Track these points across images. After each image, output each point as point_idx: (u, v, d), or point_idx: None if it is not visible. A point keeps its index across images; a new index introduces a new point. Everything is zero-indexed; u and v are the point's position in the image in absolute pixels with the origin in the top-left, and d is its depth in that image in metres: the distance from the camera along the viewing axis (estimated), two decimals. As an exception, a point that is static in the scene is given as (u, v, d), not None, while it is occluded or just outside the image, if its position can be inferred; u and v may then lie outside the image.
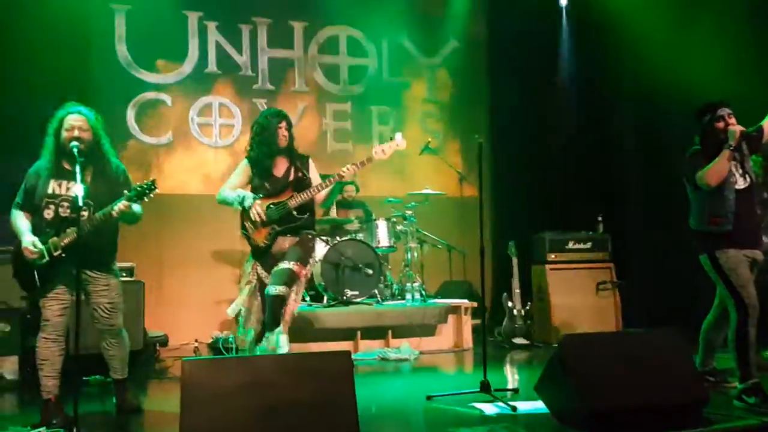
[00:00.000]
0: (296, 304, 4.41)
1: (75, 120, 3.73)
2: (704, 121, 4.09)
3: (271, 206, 4.31)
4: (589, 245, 6.66)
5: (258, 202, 4.29)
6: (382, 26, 7.74)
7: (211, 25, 7.23)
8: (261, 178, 4.40)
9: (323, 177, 4.52)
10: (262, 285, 4.33)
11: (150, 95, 7.00)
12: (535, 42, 7.55)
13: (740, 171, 4.03)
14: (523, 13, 7.56)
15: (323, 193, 4.43)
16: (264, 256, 4.36)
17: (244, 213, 4.36)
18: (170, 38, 7.06)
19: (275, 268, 4.26)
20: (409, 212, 6.60)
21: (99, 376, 4.63)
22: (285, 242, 4.34)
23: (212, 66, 7.23)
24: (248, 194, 4.34)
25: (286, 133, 4.42)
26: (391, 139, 4.52)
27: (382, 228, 6.39)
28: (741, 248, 3.99)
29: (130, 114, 6.91)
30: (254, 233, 4.35)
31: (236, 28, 7.33)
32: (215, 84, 7.25)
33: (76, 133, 3.69)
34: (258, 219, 4.27)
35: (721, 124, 4.01)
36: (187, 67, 7.14)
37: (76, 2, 6.46)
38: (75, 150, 3.59)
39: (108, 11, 6.87)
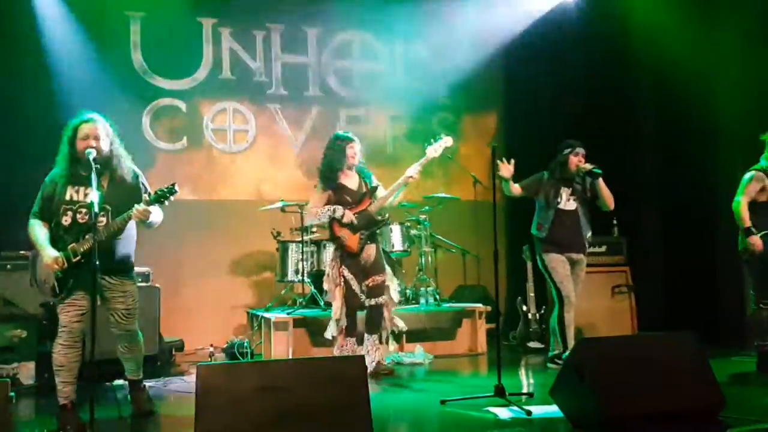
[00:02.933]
0: (393, 306, 5.18)
1: (89, 128, 3.77)
2: (563, 153, 5.23)
3: (357, 215, 4.95)
4: (604, 249, 6.62)
5: (348, 210, 4.92)
6: (396, 31, 7.75)
7: (225, 32, 7.28)
8: (339, 195, 4.98)
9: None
10: (348, 288, 4.93)
11: (165, 101, 7.06)
12: (549, 45, 7.51)
13: (568, 195, 5.23)
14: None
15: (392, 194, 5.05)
16: (354, 260, 4.95)
17: (338, 224, 4.93)
18: (185, 45, 7.12)
19: (373, 283, 4.98)
20: (423, 216, 6.61)
21: (119, 381, 4.66)
22: (370, 249, 5.00)
23: (226, 72, 7.28)
24: (337, 207, 4.94)
25: (354, 153, 5.02)
26: (440, 138, 5.07)
27: (396, 232, 6.39)
28: (560, 252, 5.16)
29: (146, 120, 6.97)
30: (349, 240, 4.93)
31: (250, 35, 7.38)
32: (229, 90, 7.29)
33: (91, 140, 3.73)
34: (352, 223, 4.89)
35: (575, 159, 5.19)
36: (202, 73, 7.19)
37: (92, 10, 6.54)
38: (90, 157, 3.63)
39: (123, 18, 6.94)
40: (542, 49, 7.53)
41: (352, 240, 4.94)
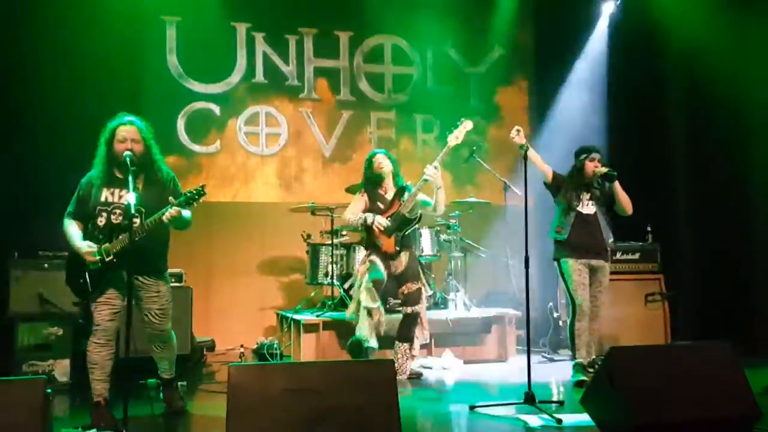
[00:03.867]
0: (425, 315, 5.26)
1: (127, 130, 3.85)
2: (580, 158, 5.16)
3: (389, 218, 5.13)
4: (637, 256, 6.52)
5: (378, 216, 5.12)
6: (427, 35, 7.76)
7: (259, 36, 7.36)
8: (373, 201, 5.24)
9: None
10: (381, 281, 5.05)
11: (199, 105, 7.15)
12: (581, 49, 7.46)
13: (587, 199, 5.12)
14: (569, 20, 7.49)
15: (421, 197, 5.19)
16: (386, 263, 5.09)
17: (371, 230, 5.13)
18: (219, 49, 7.21)
19: (407, 291, 5.12)
20: (453, 221, 6.59)
21: (153, 380, 4.72)
22: (404, 256, 5.15)
23: (259, 76, 7.36)
24: (368, 214, 5.16)
25: (382, 164, 5.25)
26: (459, 124, 5.21)
27: (425, 237, 6.38)
28: (578, 257, 5.03)
29: (180, 123, 7.08)
30: (385, 244, 5.10)
31: (283, 39, 7.45)
32: (262, 94, 7.37)
33: (128, 143, 3.80)
34: (380, 228, 5.06)
35: (591, 164, 5.09)
36: (235, 77, 7.28)
37: (129, 14, 6.66)
38: (128, 159, 3.70)
39: (159, 23, 7.06)
40: (574, 52, 7.47)
41: (388, 243, 5.10)
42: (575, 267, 5.04)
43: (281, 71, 7.43)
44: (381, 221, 5.09)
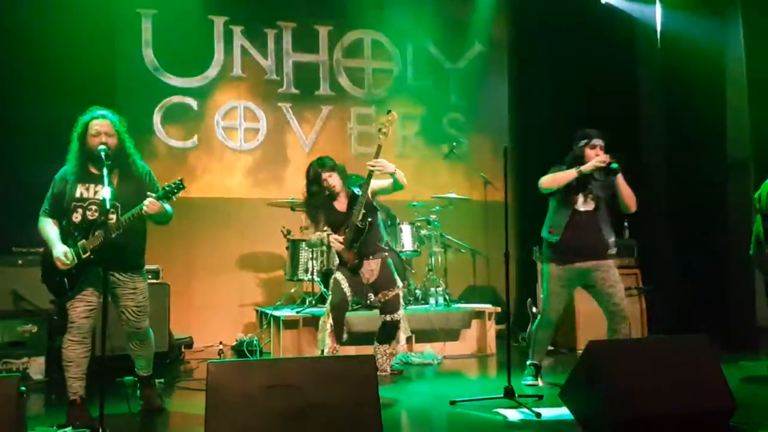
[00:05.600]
0: (403, 318, 5.06)
1: (100, 124, 3.78)
2: (579, 145, 4.63)
3: (346, 230, 4.81)
4: (614, 251, 6.57)
5: (332, 234, 4.85)
6: (407, 30, 7.75)
7: (237, 30, 7.29)
8: (330, 216, 4.91)
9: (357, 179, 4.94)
10: (344, 300, 4.81)
11: (176, 99, 7.07)
12: (560, 45, 7.48)
13: (585, 194, 4.59)
14: (548, 16, 7.51)
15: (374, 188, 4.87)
16: (355, 275, 4.85)
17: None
18: (196, 42, 7.13)
19: (384, 299, 4.88)
20: (433, 216, 6.60)
21: (131, 378, 4.66)
22: (371, 264, 4.87)
23: (237, 70, 7.29)
24: (325, 233, 4.92)
25: (330, 182, 4.83)
26: (388, 113, 4.88)
27: (406, 232, 6.38)
28: (562, 264, 4.59)
29: (157, 118, 6.99)
30: (347, 258, 4.85)
31: (261, 33, 7.38)
32: (240, 88, 7.30)
33: (102, 137, 3.74)
34: (337, 245, 4.80)
35: (592, 152, 4.56)
36: (213, 71, 7.20)
37: (103, 7, 6.56)
38: (102, 154, 3.64)
39: (135, 16, 6.96)
40: (553, 47, 7.49)
41: (349, 256, 4.83)
42: (555, 274, 4.64)
43: (260, 65, 7.37)
44: (336, 238, 4.81)
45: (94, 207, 3.75)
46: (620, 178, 4.52)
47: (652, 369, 3.58)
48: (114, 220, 3.68)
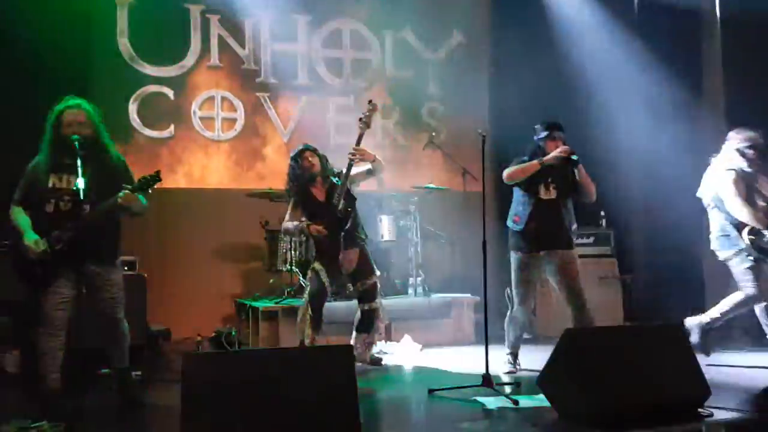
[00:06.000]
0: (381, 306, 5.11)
1: (74, 114, 3.73)
2: (540, 137, 4.77)
3: (325, 221, 4.80)
4: (591, 240, 6.64)
5: (311, 224, 4.78)
6: (386, 20, 7.71)
7: (214, 18, 7.20)
8: (308, 204, 4.91)
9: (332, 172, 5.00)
10: (323, 290, 4.80)
11: (152, 88, 6.97)
12: (539, 35, 7.49)
13: (547, 184, 4.71)
14: (528, 6, 7.52)
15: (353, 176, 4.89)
16: (334, 265, 4.84)
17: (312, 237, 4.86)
18: (172, 32, 7.04)
19: (363, 288, 4.94)
20: (412, 207, 6.60)
21: (105, 370, 4.62)
22: (350, 254, 4.87)
23: (215, 59, 7.21)
24: (304, 223, 4.82)
25: (312, 162, 4.90)
26: (369, 103, 4.98)
27: (385, 222, 6.38)
28: (527, 252, 4.73)
29: (132, 108, 6.89)
30: (328, 247, 4.82)
31: (239, 21, 7.29)
32: (218, 78, 7.23)
33: (75, 127, 3.68)
34: (320, 234, 4.75)
35: (553, 144, 4.70)
36: (190, 60, 7.11)
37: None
38: (76, 144, 3.59)
39: (110, 4, 6.84)
40: (533, 35, 7.49)
41: (331, 246, 4.81)
42: (523, 261, 4.77)
43: (237, 55, 7.30)
44: (317, 228, 4.77)
45: (67, 198, 3.70)
46: (581, 169, 4.68)
47: (627, 356, 3.63)
48: (87, 212, 3.63)
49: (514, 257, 4.84)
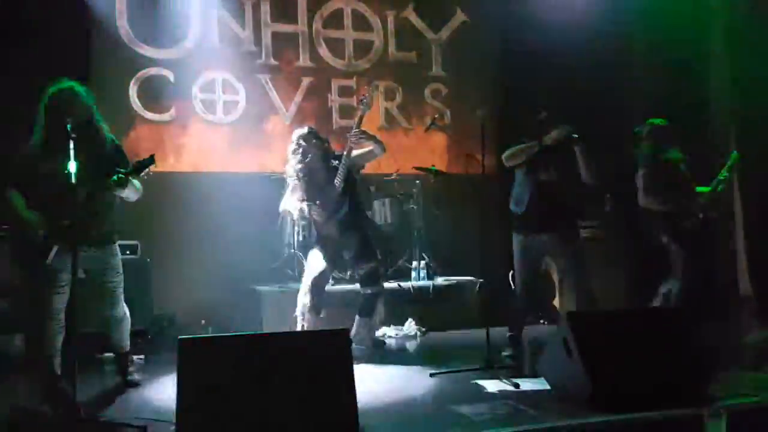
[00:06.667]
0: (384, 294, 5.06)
1: (66, 96, 3.69)
2: (539, 118, 4.68)
3: (326, 203, 4.78)
4: (596, 222, 6.58)
5: (313, 207, 4.78)
6: (388, 0, 7.61)
7: (213, 0, 7.13)
8: (309, 186, 4.87)
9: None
10: (323, 273, 4.79)
11: (152, 71, 6.91)
12: (545, 15, 7.36)
13: (547, 165, 4.59)
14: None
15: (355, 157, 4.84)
16: (334, 248, 4.83)
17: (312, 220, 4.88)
18: (172, 13, 6.95)
19: (364, 272, 4.86)
20: (414, 190, 6.56)
21: (107, 354, 4.62)
22: (351, 238, 4.82)
23: (215, 41, 7.14)
24: (303, 205, 4.82)
25: (313, 143, 4.86)
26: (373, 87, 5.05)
27: (387, 206, 6.34)
28: (528, 235, 4.62)
29: (132, 91, 6.84)
30: (327, 230, 4.82)
31: (239, 2, 7.21)
32: (218, 60, 7.15)
33: (67, 109, 3.65)
34: (317, 219, 4.76)
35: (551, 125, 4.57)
36: (190, 42, 7.05)
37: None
38: (68, 126, 3.55)
39: (109, -15, 6.78)
40: (541, 17, 7.37)
41: (329, 228, 4.83)
42: (523, 244, 4.69)
43: (238, 36, 7.23)
44: (316, 212, 4.79)
45: (62, 181, 3.66)
46: (581, 148, 4.56)
47: (628, 339, 3.60)
48: (82, 195, 3.61)
49: (515, 240, 4.76)
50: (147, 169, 3.64)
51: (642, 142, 5.16)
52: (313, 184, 4.90)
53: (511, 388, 3.83)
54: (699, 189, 5.17)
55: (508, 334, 4.85)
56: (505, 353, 4.73)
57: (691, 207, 5.07)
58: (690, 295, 4.90)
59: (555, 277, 6.21)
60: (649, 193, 5.03)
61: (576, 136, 4.54)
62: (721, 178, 5.19)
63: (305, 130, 4.97)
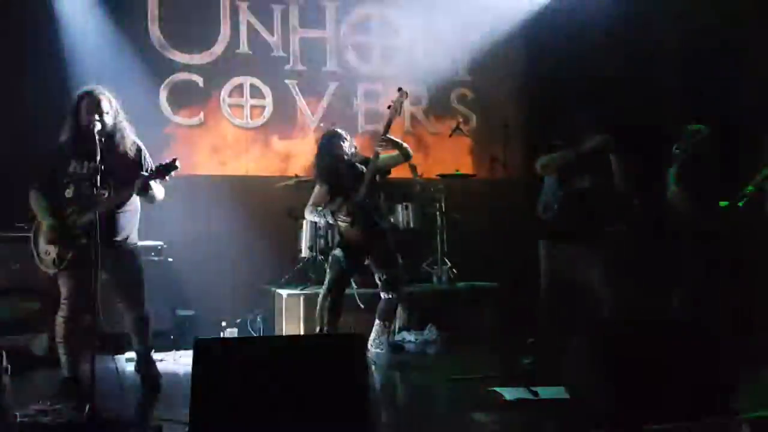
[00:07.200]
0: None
1: (93, 99, 3.77)
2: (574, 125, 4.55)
3: (352, 207, 4.81)
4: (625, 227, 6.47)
5: (336, 211, 4.83)
6: (415, 5, 7.60)
7: (243, 5, 7.20)
8: (334, 190, 4.91)
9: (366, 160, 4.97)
10: (344, 277, 4.85)
11: (182, 76, 7.01)
12: (572, 23, 7.29)
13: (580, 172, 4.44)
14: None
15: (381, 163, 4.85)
16: (356, 253, 4.86)
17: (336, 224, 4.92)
18: (202, 19, 7.05)
19: (384, 277, 4.90)
20: (438, 194, 6.53)
21: (129, 354, 4.69)
22: (373, 242, 4.86)
23: (244, 47, 7.21)
24: (327, 210, 4.89)
25: (340, 146, 4.92)
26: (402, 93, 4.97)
27: (410, 210, 6.32)
28: (555, 243, 4.52)
29: (163, 95, 6.94)
30: (352, 235, 4.84)
31: (268, 8, 7.28)
32: (246, 65, 7.23)
33: (95, 113, 3.72)
34: (345, 223, 4.79)
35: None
36: (219, 47, 7.13)
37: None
38: (95, 129, 3.62)
39: (141, -8, 6.90)
40: (565, 24, 7.31)
41: (355, 234, 4.84)
42: (549, 253, 4.60)
43: (266, 42, 7.29)
44: (343, 217, 4.82)
45: (86, 183, 3.73)
46: (618, 159, 4.42)
47: (651, 347, 3.53)
48: (106, 196, 3.67)
49: (542, 246, 4.66)
50: (170, 173, 3.69)
51: (682, 144, 4.86)
52: (338, 187, 4.91)
53: (530, 397, 3.78)
54: (721, 204, 4.95)
55: (530, 340, 4.79)
56: (526, 360, 4.67)
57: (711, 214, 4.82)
58: (706, 303, 4.73)
59: (582, 286, 6.12)
60: (680, 187, 4.79)
61: (613, 145, 4.38)
62: (747, 192, 4.83)
63: (332, 133, 5.01)
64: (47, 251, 3.74)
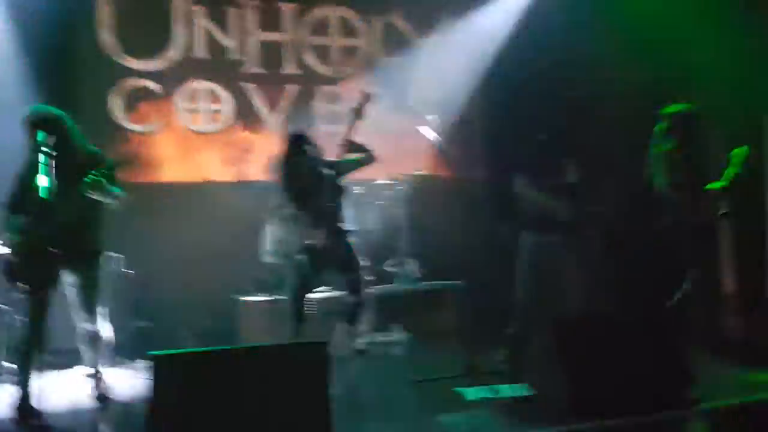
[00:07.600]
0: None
1: (37, 116, 3.79)
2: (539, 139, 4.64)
3: (310, 210, 4.78)
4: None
5: (299, 214, 4.79)
6: (374, 5, 7.59)
7: (197, 9, 7.09)
8: (299, 194, 4.83)
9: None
10: (307, 282, 4.81)
11: (135, 82, 6.88)
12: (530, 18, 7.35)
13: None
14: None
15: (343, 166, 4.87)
16: (319, 256, 4.78)
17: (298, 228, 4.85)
18: (156, 23, 6.93)
19: (348, 279, 4.86)
20: (400, 195, 6.53)
21: (80, 369, 4.58)
22: (336, 246, 4.79)
23: (199, 51, 7.11)
24: (289, 213, 4.87)
25: (301, 150, 4.82)
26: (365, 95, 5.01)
27: (372, 210, 6.31)
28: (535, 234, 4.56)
29: (115, 102, 6.80)
30: (312, 238, 4.77)
31: (223, 11, 7.19)
32: (203, 69, 7.12)
33: (40, 128, 3.69)
34: (306, 226, 4.74)
35: None
36: (174, 52, 7.02)
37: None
38: (41, 147, 3.60)
39: (90, -5, 6.75)
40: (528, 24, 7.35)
41: (314, 235, 4.80)
42: (531, 244, 4.65)
43: (222, 45, 7.20)
44: (305, 221, 4.79)
45: (41, 198, 3.67)
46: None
47: (611, 344, 3.57)
48: (62, 210, 3.62)
49: (522, 239, 4.69)
50: (114, 171, 3.68)
51: (663, 124, 4.75)
52: (300, 191, 4.87)
53: (493, 396, 3.80)
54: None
55: (508, 330, 4.72)
56: (498, 358, 4.65)
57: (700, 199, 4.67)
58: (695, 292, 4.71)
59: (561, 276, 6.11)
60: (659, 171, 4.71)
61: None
62: (728, 176, 4.62)
63: (294, 135, 4.95)
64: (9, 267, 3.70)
